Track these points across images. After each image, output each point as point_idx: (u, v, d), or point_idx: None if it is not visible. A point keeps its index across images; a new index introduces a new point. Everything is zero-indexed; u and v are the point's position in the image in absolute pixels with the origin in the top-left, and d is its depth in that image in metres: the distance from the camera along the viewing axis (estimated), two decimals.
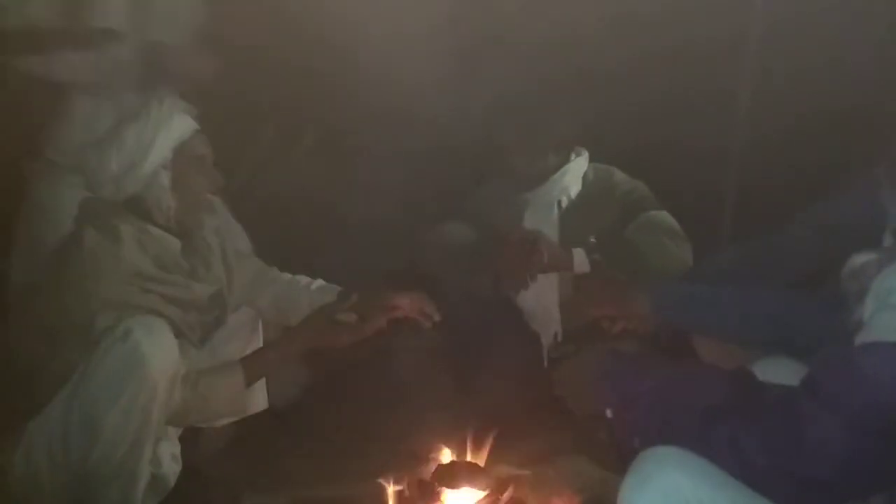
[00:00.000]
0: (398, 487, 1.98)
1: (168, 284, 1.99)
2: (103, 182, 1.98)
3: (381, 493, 1.98)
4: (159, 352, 1.80)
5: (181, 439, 2.14)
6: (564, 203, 2.56)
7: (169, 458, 2.04)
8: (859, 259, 1.37)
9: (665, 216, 2.45)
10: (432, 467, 2.04)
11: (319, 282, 2.32)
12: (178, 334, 1.91)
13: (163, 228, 2.03)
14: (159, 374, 1.80)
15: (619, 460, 1.44)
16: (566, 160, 2.58)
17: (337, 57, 2.73)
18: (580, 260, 2.36)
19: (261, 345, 2.24)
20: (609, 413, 1.49)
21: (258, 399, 2.24)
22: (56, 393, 1.83)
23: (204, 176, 2.08)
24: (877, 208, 1.48)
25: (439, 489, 1.97)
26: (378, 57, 2.71)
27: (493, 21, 3.01)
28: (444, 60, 2.88)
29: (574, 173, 2.58)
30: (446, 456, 2.07)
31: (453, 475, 2.00)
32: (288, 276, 2.34)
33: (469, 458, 2.07)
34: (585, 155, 2.62)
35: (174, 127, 2.00)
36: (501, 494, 1.98)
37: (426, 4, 2.75)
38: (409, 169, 2.82)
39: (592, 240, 2.40)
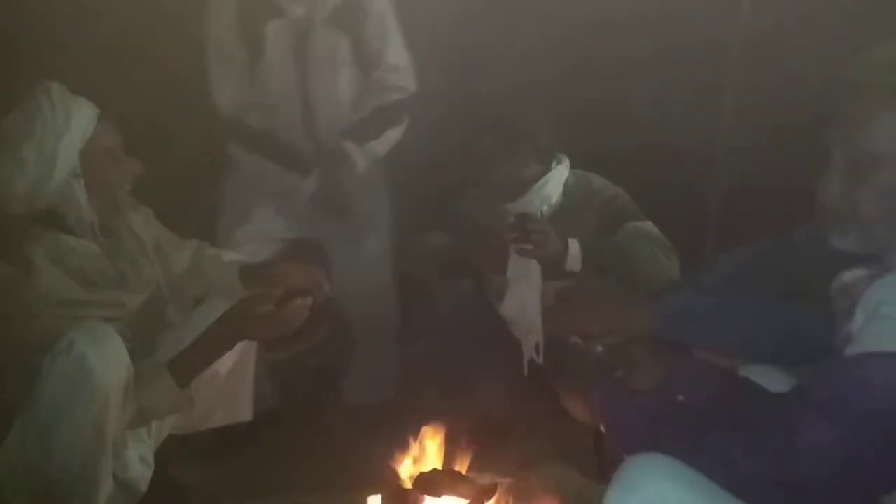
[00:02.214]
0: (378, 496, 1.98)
1: (97, 306, 1.90)
2: (11, 203, 1.85)
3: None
4: (107, 361, 1.73)
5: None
6: (545, 211, 2.56)
7: (137, 462, 1.97)
8: (849, 275, 1.38)
9: (652, 227, 2.45)
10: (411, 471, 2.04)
11: (231, 255, 2.28)
12: None
13: (80, 235, 1.93)
14: (110, 385, 1.73)
15: (605, 468, 1.44)
16: (548, 168, 2.58)
17: None
18: (574, 252, 2.35)
19: None
20: (602, 428, 1.50)
21: (244, 409, 2.22)
22: (12, 421, 1.76)
23: (119, 169, 1.98)
24: None
25: (420, 497, 1.96)
26: None
27: (483, 31, 3.02)
28: (431, 70, 2.88)
29: (555, 181, 2.58)
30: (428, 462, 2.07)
31: (434, 483, 1.98)
32: (212, 250, 2.30)
33: (450, 465, 2.07)
34: (566, 162, 2.62)
35: (75, 127, 1.87)
36: (483, 502, 1.98)
37: (414, 17, 2.75)
38: (395, 179, 2.81)
39: None
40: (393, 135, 2.71)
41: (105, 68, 2.52)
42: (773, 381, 1.53)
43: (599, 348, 1.75)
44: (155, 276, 2.11)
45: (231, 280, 2.18)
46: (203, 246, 2.29)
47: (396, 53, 2.68)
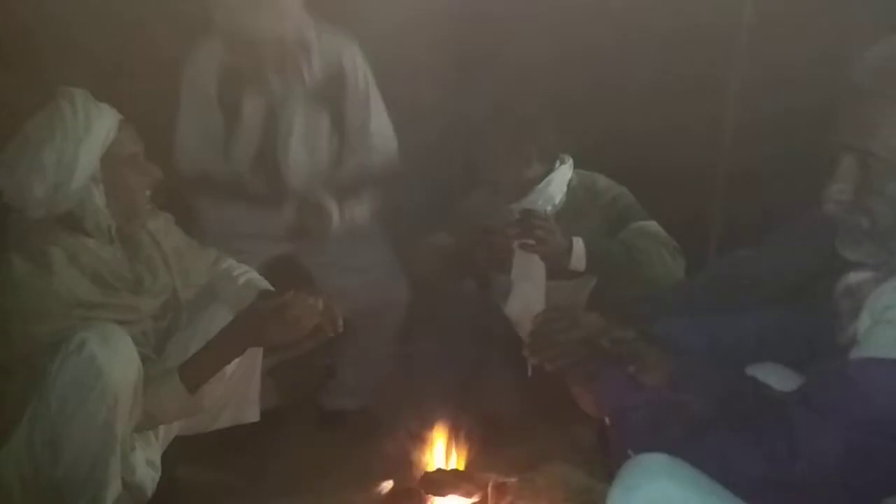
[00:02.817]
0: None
1: (112, 309, 1.90)
2: (29, 206, 1.85)
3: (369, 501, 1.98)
4: (117, 362, 1.73)
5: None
6: (549, 212, 2.56)
7: (144, 465, 1.97)
8: (854, 277, 1.37)
9: (657, 226, 2.45)
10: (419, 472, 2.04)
11: (248, 275, 2.23)
12: None
13: (98, 239, 1.93)
14: (119, 386, 1.73)
15: (609, 467, 1.44)
16: (551, 168, 2.58)
17: None
18: (578, 250, 2.35)
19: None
20: (608, 420, 1.50)
21: (252, 410, 2.22)
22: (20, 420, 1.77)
23: (139, 175, 1.97)
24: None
25: (426, 496, 1.97)
26: (371, 65, 2.70)
27: (486, 33, 3.02)
28: (436, 69, 2.88)
29: (559, 182, 2.58)
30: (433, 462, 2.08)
31: (440, 482, 2.00)
32: (226, 263, 2.26)
33: (456, 464, 2.08)
34: (570, 162, 2.62)
35: (95, 131, 1.86)
36: (488, 502, 1.98)
37: (421, 18, 2.75)
38: (397, 179, 2.81)
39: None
40: (374, 194, 2.67)
41: (123, 74, 2.53)
42: (781, 379, 1.53)
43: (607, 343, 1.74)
44: (172, 281, 2.11)
45: (243, 298, 2.12)
46: (220, 257, 2.28)
47: (379, 123, 2.67)
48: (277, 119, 2.53)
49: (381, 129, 2.67)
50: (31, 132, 1.87)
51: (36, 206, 1.86)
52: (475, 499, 1.98)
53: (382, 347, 2.70)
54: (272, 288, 2.21)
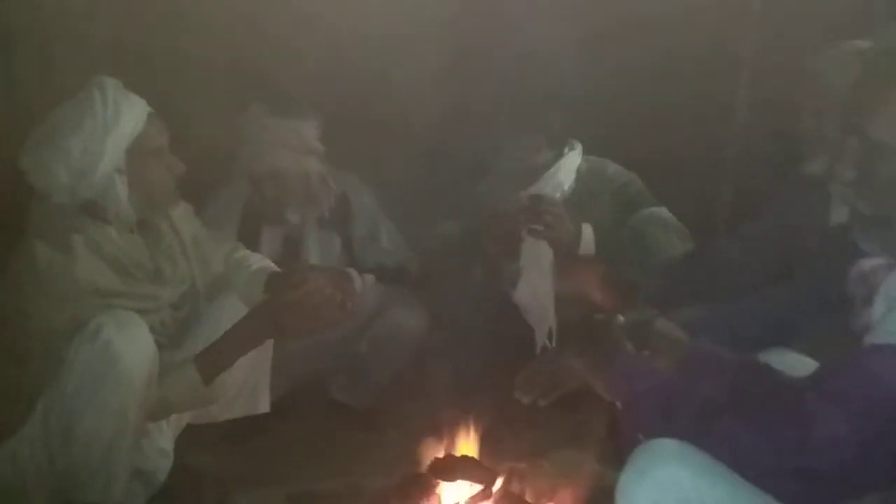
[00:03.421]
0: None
1: (131, 298, 1.91)
2: (53, 191, 1.86)
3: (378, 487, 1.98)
4: (133, 348, 1.75)
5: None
6: (558, 198, 2.55)
7: (156, 453, 1.99)
8: (868, 263, 1.38)
9: (666, 212, 2.45)
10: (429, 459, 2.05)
11: (261, 263, 2.21)
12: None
13: (119, 228, 1.94)
14: (134, 373, 1.74)
15: (619, 452, 1.45)
16: (560, 155, 2.58)
17: (335, 56, 2.73)
18: (587, 237, 2.34)
19: None
20: (619, 404, 1.50)
21: (262, 401, 2.23)
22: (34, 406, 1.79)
23: (163, 167, 1.98)
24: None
25: (435, 482, 1.98)
26: (377, 54, 2.70)
27: (493, 20, 3.01)
28: (443, 58, 2.88)
29: (567, 168, 2.58)
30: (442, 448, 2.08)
31: (449, 468, 2.00)
32: (241, 253, 2.27)
33: (465, 451, 2.08)
34: (579, 149, 2.62)
35: (124, 124, 1.87)
36: (497, 488, 1.99)
37: (428, 2, 2.75)
38: (406, 168, 2.82)
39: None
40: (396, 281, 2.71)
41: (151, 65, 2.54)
42: (793, 365, 1.53)
43: (622, 318, 1.74)
44: (191, 271, 2.12)
45: (254, 284, 2.11)
46: (236, 247, 2.29)
47: (390, 236, 2.76)
48: (296, 246, 2.64)
49: (392, 238, 2.76)
50: (61, 118, 1.88)
51: (60, 191, 1.86)
52: (484, 485, 1.99)
53: (399, 359, 2.71)
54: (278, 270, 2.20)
